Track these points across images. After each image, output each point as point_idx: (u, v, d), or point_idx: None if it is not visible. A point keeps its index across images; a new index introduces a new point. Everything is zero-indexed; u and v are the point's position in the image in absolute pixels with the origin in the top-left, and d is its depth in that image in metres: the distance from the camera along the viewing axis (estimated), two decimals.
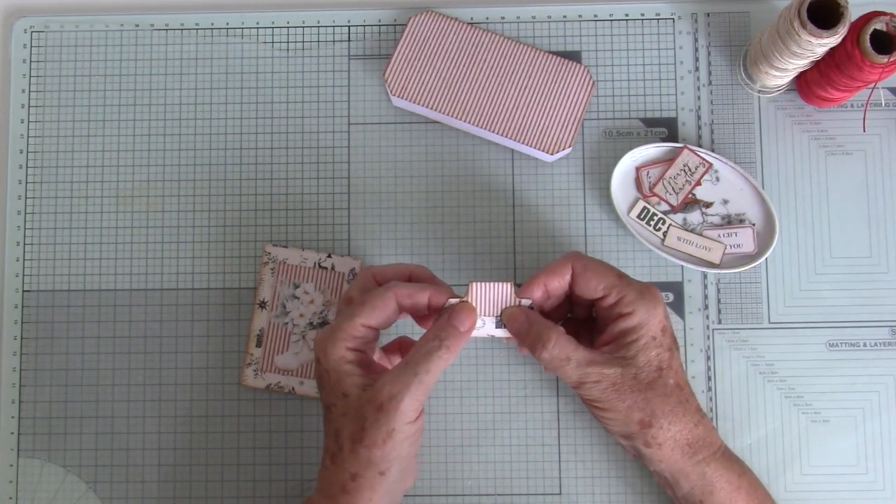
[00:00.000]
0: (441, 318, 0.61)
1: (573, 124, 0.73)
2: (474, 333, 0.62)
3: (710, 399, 0.73)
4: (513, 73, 0.74)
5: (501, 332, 0.63)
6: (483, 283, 0.63)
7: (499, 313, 0.63)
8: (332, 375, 0.59)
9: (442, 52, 0.74)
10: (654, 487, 0.72)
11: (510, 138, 0.73)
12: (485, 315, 0.63)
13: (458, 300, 0.62)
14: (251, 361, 0.73)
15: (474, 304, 0.62)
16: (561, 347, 0.61)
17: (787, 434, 0.72)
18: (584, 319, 0.68)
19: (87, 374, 0.74)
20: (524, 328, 0.62)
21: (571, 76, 0.74)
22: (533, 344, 0.61)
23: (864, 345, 0.73)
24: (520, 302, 0.63)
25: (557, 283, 0.63)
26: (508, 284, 0.63)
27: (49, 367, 0.74)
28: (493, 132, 0.73)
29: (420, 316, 0.65)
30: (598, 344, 0.64)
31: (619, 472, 0.72)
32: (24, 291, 0.75)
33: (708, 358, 0.73)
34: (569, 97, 0.74)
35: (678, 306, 0.73)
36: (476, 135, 0.75)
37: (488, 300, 0.63)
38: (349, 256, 0.74)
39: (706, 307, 0.73)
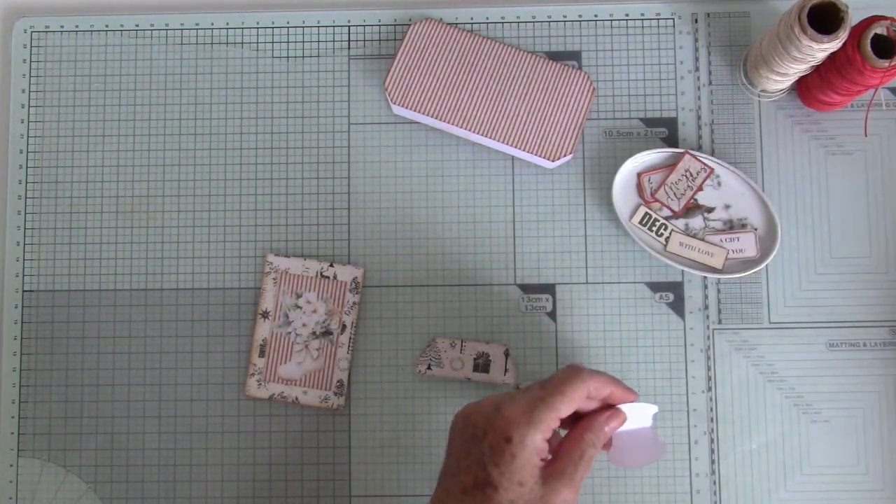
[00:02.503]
0: (599, 420, 0.62)
1: (574, 131, 0.73)
2: None
3: (711, 399, 0.73)
4: (513, 80, 0.74)
5: None
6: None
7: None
8: (518, 462, 0.58)
9: (442, 60, 0.74)
10: (655, 488, 0.72)
11: (511, 146, 0.73)
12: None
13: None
14: (254, 372, 0.73)
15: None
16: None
17: (788, 434, 0.72)
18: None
19: (87, 374, 0.74)
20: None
21: (572, 82, 0.74)
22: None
23: (864, 345, 0.73)
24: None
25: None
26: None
27: (49, 367, 0.74)
28: (494, 140, 0.73)
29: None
30: None
31: (619, 472, 0.72)
32: (24, 291, 0.75)
33: (708, 358, 0.73)
34: (569, 103, 0.73)
35: (678, 306, 0.73)
36: (476, 141, 0.75)
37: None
38: (351, 265, 0.74)
39: (706, 307, 0.73)
